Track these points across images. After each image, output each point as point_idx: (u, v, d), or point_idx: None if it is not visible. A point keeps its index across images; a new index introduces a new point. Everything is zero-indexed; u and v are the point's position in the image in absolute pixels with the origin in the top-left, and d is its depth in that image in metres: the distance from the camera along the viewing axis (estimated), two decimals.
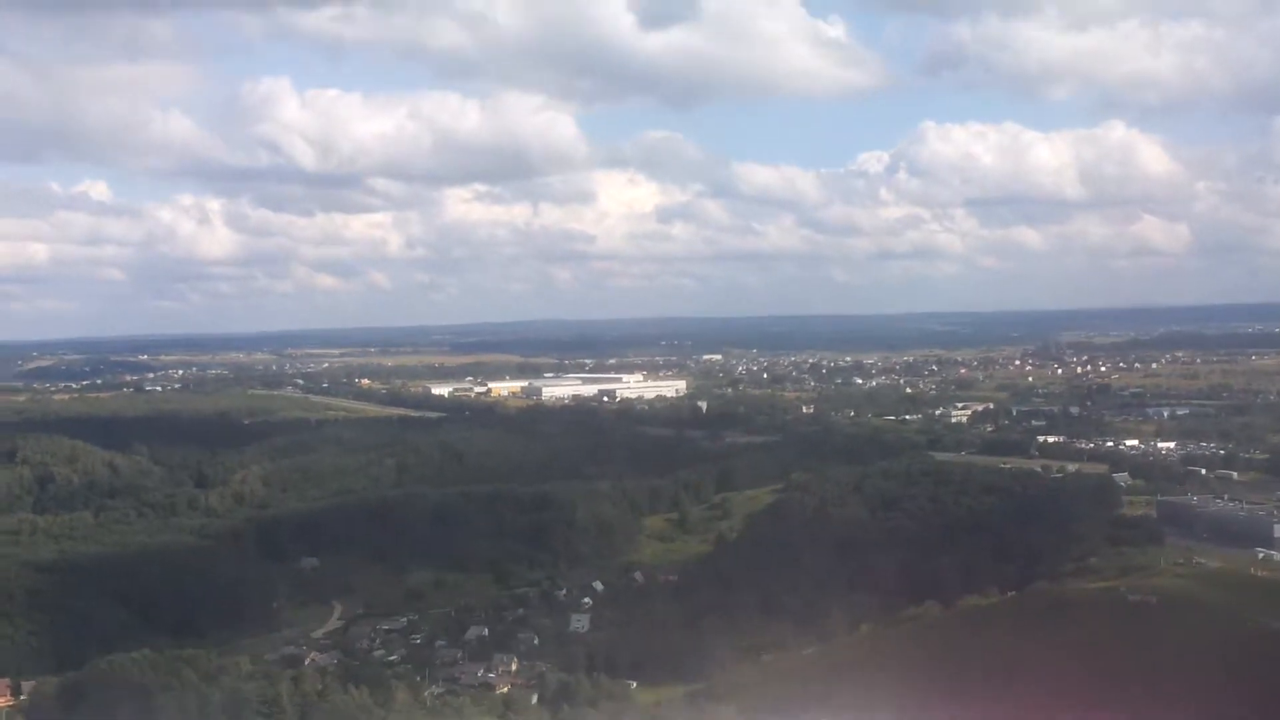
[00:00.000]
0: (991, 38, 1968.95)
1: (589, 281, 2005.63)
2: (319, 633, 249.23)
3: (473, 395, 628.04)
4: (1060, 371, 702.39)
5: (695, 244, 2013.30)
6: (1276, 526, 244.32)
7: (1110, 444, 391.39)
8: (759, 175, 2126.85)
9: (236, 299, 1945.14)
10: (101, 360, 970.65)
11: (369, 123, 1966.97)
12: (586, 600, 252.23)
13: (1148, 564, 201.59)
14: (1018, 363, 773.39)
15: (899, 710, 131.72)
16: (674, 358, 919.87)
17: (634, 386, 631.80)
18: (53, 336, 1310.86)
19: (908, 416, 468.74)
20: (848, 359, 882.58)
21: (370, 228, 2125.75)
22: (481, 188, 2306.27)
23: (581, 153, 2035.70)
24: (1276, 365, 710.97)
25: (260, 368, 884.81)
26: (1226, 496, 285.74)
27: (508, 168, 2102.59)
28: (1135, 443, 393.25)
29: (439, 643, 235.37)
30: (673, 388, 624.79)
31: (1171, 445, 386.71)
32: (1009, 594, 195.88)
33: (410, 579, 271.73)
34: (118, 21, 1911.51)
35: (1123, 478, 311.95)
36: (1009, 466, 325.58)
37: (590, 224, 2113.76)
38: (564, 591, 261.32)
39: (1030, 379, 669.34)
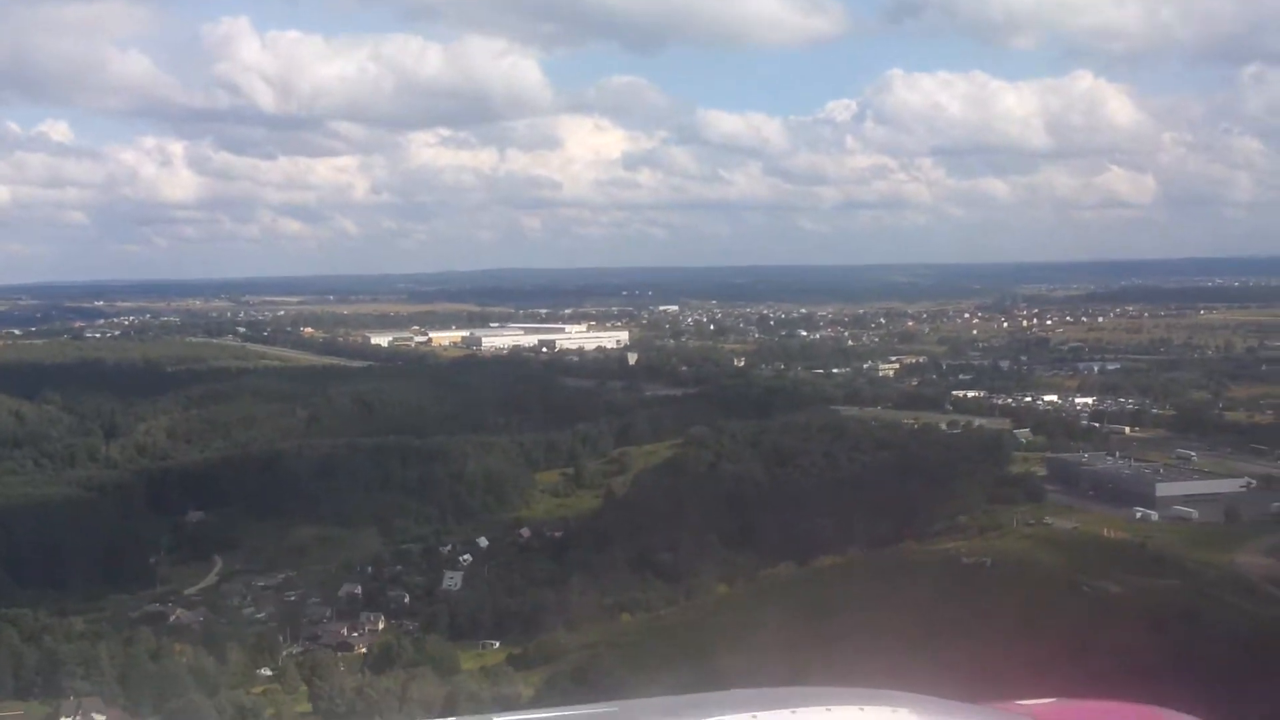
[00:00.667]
0: None
1: (557, 229, 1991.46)
2: (192, 589, 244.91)
3: (412, 345, 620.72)
4: (1006, 325, 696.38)
5: (663, 192, 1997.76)
6: (1159, 485, 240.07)
7: (1028, 399, 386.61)
8: (725, 123, 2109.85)
9: (202, 243, 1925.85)
10: (55, 306, 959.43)
11: (330, 65, 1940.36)
12: (465, 557, 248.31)
13: (1005, 524, 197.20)
14: (967, 316, 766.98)
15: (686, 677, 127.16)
16: (630, 308, 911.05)
17: (575, 337, 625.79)
18: (16, 281, 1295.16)
19: (836, 370, 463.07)
20: (802, 310, 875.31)
21: (335, 172, 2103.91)
22: (445, 132, 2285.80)
23: (546, 98, 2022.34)
24: (1223, 319, 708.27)
25: (215, 315, 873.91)
26: (1118, 454, 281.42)
27: (471, 112, 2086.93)
28: (1053, 398, 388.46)
29: (312, 600, 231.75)
30: (614, 339, 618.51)
31: (1089, 400, 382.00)
32: (858, 554, 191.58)
33: (296, 534, 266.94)
34: None
35: (1024, 433, 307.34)
36: (912, 422, 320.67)
37: (556, 170, 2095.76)
38: (448, 548, 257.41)
39: (975, 332, 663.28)
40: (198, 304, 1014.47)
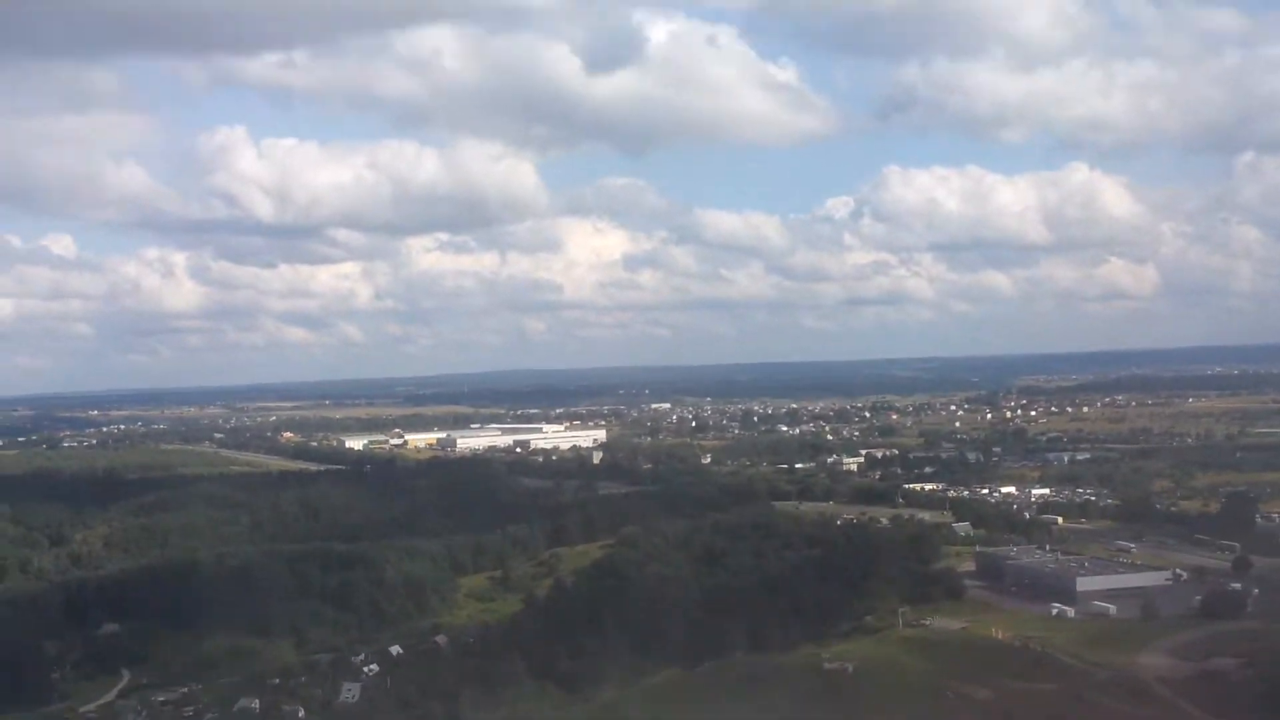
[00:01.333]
0: (940, 80, 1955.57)
1: (561, 331, 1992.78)
2: (89, 706, 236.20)
3: (387, 448, 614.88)
4: (990, 417, 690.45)
5: (664, 292, 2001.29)
6: (1079, 579, 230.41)
7: (985, 491, 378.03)
8: (723, 222, 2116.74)
9: (206, 352, 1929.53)
10: (48, 416, 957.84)
11: (327, 172, 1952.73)
12: (372, 667, 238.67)
13: (888, 625, 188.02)
14: (953, 408, 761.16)
15: None
16: (622, 406, 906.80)
17: (552, 437, 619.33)
18: (19, 392, 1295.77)
19: (800, 465, 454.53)
20: (793, 405, 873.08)
21: (337, 279, 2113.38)
22: (444, 236, 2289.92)
23: (543, 200, 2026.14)
24: (1210, 407, 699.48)
25: (206, 421, 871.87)
26: (1048, 547, 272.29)
27: (469, 216, 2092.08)
28: (1011, 489, 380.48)
29: (209, 716, 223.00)
30: (592, 438, 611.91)
31: (1046, 492, 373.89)
32: (742, 658, 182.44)
33: (209, 645, 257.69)
34: (57, 72, 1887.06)
35: (964, 527, 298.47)
36: (851, 518, 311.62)
37: (558, 273, 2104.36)
38: (360, 657, 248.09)
39: (957, 424, 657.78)
40: (192, 411, 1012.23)
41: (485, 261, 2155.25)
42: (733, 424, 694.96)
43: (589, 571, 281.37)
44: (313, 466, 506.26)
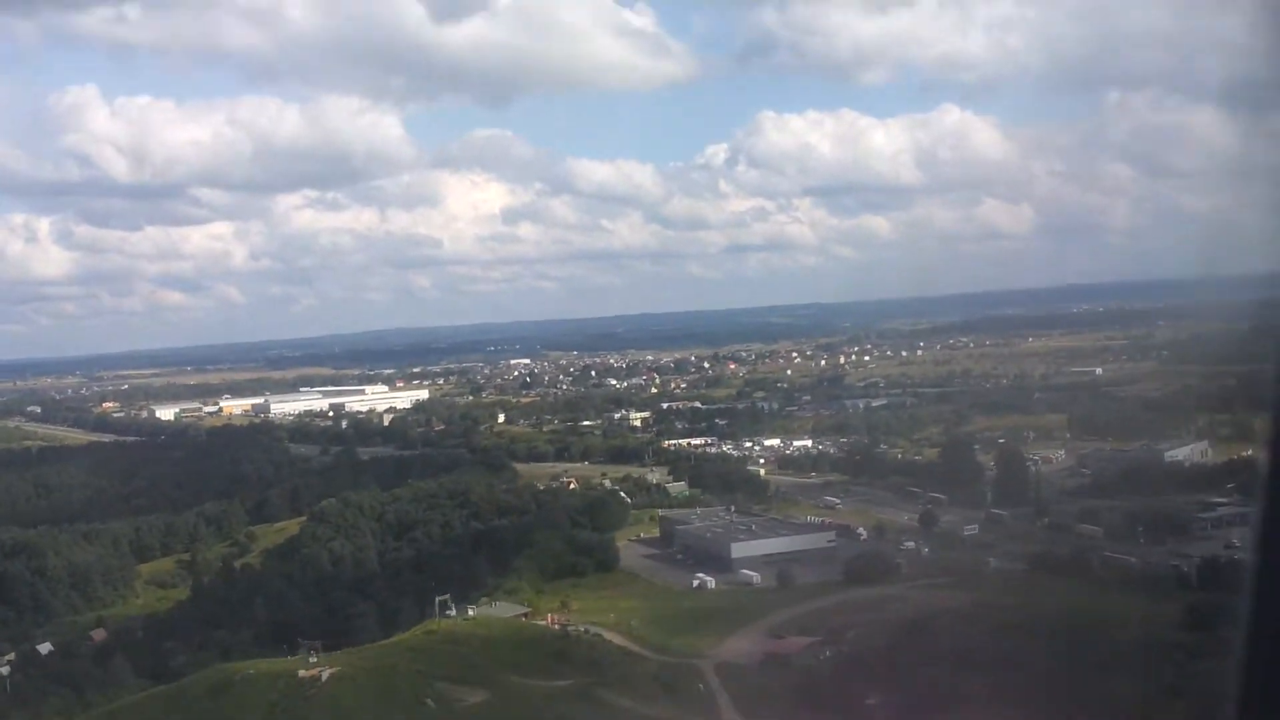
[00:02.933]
0: (798, 23, 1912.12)
1: (446, 288, 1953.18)
2: None
3: (200, 415, 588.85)
4: (824, 363, 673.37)
5: (545, 245, 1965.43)
6: (733, 545, 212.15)
7: (748, 444, 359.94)
8: (596, 172, 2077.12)
9: (83, 319, 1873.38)
10: None
11: (185, 130, 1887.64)
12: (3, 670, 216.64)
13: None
14: (795, 356, 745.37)
15: None
16: (481, 363, 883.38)
17: (372, 399, 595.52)
18: None
19: (586, 422, 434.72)
20: (648, 356, 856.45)
21: (209, 240, 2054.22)
22: (312, 193, 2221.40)
23: (410, 154, 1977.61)
24: (1045, 347, 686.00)
25: (53, 394, 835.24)
26: (732, 508, 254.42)
27: (336, 172, 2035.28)
28: (775, 442, 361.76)
29: None
30: (411, 399, 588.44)
31: (808, 443, 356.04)
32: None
33: None
34: None
35: (679, 487, 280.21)
36: (562, 481, 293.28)
37: (437, 228, 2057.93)
38: (10, 656, 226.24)
39: (790, 372, 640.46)
40: (48, 381, 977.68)
41: (360, 218, 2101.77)
42: (566, 379, 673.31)
43: (277, 550, 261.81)
44: (98, 438, 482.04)
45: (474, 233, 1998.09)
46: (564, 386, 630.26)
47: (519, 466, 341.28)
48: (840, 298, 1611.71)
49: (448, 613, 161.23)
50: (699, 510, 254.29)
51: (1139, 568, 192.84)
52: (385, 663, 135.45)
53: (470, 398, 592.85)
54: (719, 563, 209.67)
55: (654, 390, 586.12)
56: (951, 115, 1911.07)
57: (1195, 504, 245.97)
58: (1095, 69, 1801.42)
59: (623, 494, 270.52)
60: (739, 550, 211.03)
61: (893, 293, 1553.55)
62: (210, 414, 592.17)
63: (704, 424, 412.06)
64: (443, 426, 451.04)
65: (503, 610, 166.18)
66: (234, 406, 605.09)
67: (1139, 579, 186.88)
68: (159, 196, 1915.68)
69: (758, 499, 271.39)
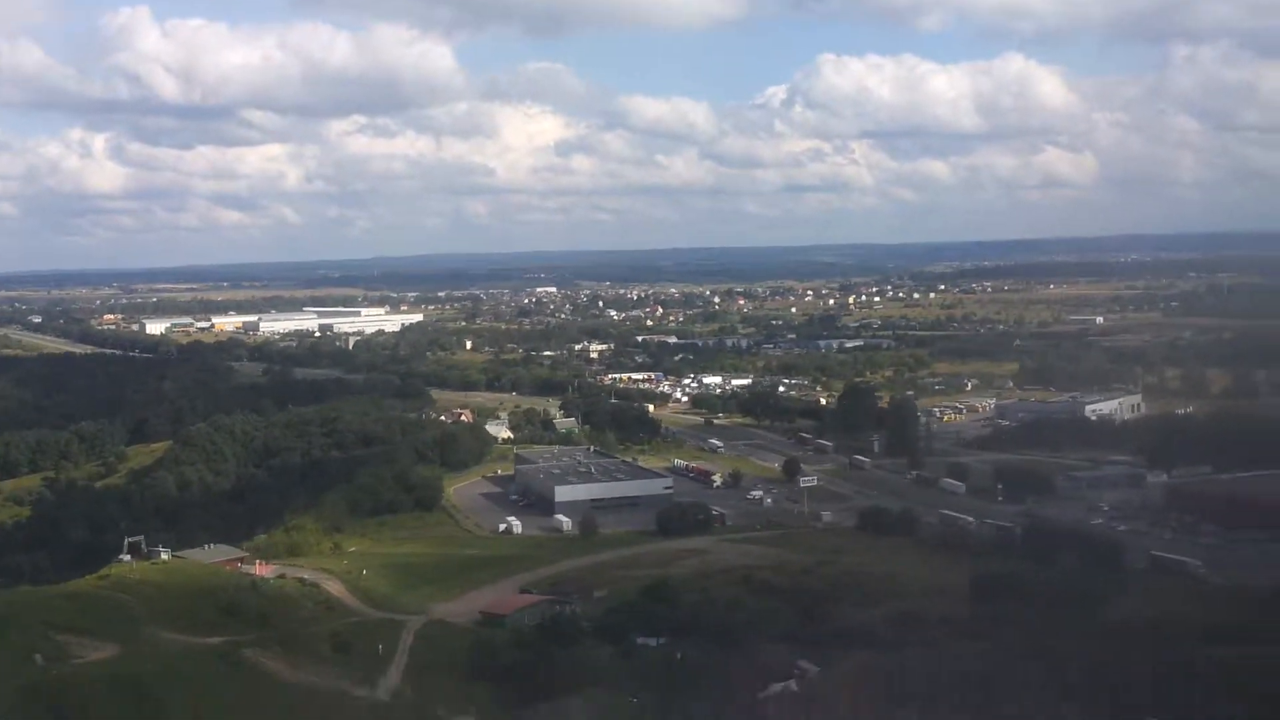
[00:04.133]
0: None
1: (501, 215, 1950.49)
2: None
3: (190, 331, 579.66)
4: (833, 303, 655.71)
5: (600, 178, 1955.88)
6: (558, 489, 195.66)
7: (688, 381, 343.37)
8: (650, 108, 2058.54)
9: (140, 233, 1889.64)
10: None
11: (236, 53, 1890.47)
12: None
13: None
14: (809, 294, 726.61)
15: None
16: (502, 290, 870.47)
17: (364, 321, 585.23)
18: None
19: (548, 352, 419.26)
20: (672, 290, 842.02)
21: (264, 161, 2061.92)
22: (362, 120, 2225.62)
23: (460, 83, 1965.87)
24: (1058, 295, 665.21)
25: (78, 304, 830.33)
26: (592, 449, 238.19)
27: (386, 100, 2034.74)
28: (717, 379, 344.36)
29: None
30: (402, 322, 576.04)
31: (746, 381, 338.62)
32: None
33: None
34: None
35: (569, 423, 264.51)
36: (456, 413, 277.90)
37: (491, 157, 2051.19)
38: None
39: (794, 310, 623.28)
40: (83, 292, 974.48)
41: (413, 145, 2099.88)
42: (569, 309, 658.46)
43: (140, 473, 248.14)
44: (76, 350, 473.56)
45: (527, 163, 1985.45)
46: (561, 316, 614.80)
47: (440, 395, 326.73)
48: (894, 239, 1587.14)
49: (137, 556, 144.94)
50: (555, 450, 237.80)
51: (969, 528, 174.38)
52: (9, 612, 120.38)
53: (463, 323, 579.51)
54: (544, 506, 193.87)
55: (648, 323, 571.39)
56: (1014, 64, 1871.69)
57: (1085, 461, 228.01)
58: (1163, 22, 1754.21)
59: (499, 428, 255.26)
60: (563, 494, 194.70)
61: (949, 236, 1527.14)
62: (201, 329, 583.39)
63: (656, 359, 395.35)
64: (398, 351, 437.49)
65: (212, 554, 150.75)
66: (226, 324, 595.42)
67: (960, 540, 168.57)
68: (210, 117, 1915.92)
69: (646, 439, 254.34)
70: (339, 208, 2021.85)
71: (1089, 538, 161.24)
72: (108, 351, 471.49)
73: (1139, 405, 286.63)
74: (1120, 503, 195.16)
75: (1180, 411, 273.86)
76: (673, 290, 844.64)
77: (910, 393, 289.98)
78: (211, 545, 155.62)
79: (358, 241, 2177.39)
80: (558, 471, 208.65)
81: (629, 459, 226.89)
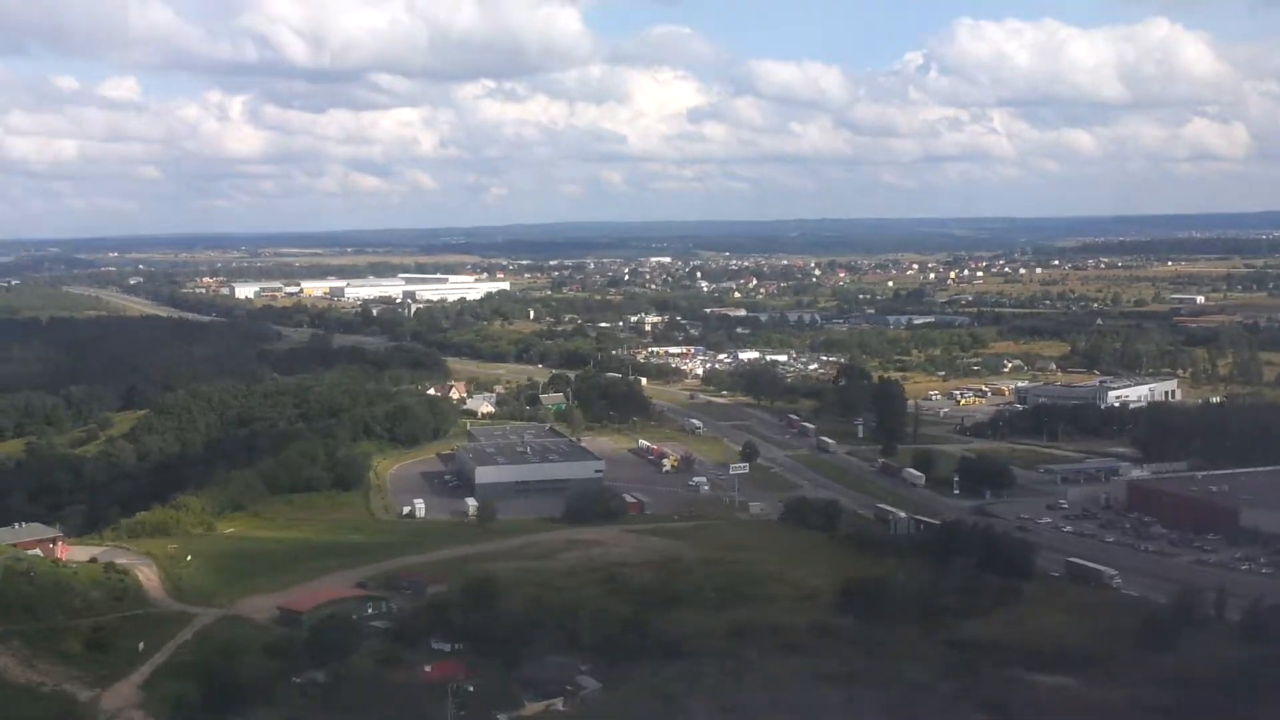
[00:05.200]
0: None
1: (636, 183, 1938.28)
2: None
3: (277, 295, 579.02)
4: (932, 277, 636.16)
5: (733, 146, 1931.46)
6: (479, 470, 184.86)
7: (724, 356, 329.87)
8: (780, 73, 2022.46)
9: (281, 198, 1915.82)
10: (65, 258, 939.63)
11: (362, 16, 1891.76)
12: None
13: None
14: (913, 268, 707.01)
15: None
16: (619, 260, 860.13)
17: (448, 288, 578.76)
18: (99, 234, 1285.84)
19: (604, 324, 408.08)
20: (784, 261, 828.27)
21: (397, 126, 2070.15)
22: (490, 83, 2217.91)
23: (587, 47, 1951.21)
24: (1176, 271, 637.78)
25: (204, 266, 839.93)
26: (549, 428, 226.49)
27: (514, 64, 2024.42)
28: (754, 354, 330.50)
29: None
30: (485, 290, 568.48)
31: (783, 358, 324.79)
32: None
33: None
34: None
35: (556, 398, 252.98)
36: (449, 385, 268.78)
37: (622, 123, 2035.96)
38: None
39: (890, 284, 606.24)
40: (210, 255, 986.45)
41: (545, 110, 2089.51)
42: (658, 279, 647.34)
43: (118, 439, 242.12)
44: (161, 313, 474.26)
45: (660, 130, 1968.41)
46: (651, 287, 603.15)
47: (462, 365, 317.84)
48: (1034, 213, 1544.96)
49: None
50: (509, 427, 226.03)
51: (894, 525, 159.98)
52: None
53: (548, 292, 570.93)
54: (468, 487, 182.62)
55: (734, 294, 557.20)
56: (1159, 28, 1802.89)
57: (1080, 452, 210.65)
58: None
59: (481, 403, 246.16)
60: (484, 475, 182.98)
61: (1091, 210, 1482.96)
62: (289, 294, 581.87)
63: (705, 333, 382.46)
64: (455, 319, 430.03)
65: (21, 534, 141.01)
66: (315, 289, 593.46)
67: (877, 539, 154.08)
68: (339, 81, 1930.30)
69: (635, 416, 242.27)
70: (474, 174, 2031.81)
71: (1001, 541, 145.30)
72: (186, 316, 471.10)
73: (1173, 392, 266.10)
74: (1085, 499, 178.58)
75: (1215, 400, 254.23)
76: (784, 261, 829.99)
77: (901, 376, 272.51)
78: (22, 524, 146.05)
79: (492, 209, 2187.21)
80: (490, 451, 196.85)
81: (590, 438, 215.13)
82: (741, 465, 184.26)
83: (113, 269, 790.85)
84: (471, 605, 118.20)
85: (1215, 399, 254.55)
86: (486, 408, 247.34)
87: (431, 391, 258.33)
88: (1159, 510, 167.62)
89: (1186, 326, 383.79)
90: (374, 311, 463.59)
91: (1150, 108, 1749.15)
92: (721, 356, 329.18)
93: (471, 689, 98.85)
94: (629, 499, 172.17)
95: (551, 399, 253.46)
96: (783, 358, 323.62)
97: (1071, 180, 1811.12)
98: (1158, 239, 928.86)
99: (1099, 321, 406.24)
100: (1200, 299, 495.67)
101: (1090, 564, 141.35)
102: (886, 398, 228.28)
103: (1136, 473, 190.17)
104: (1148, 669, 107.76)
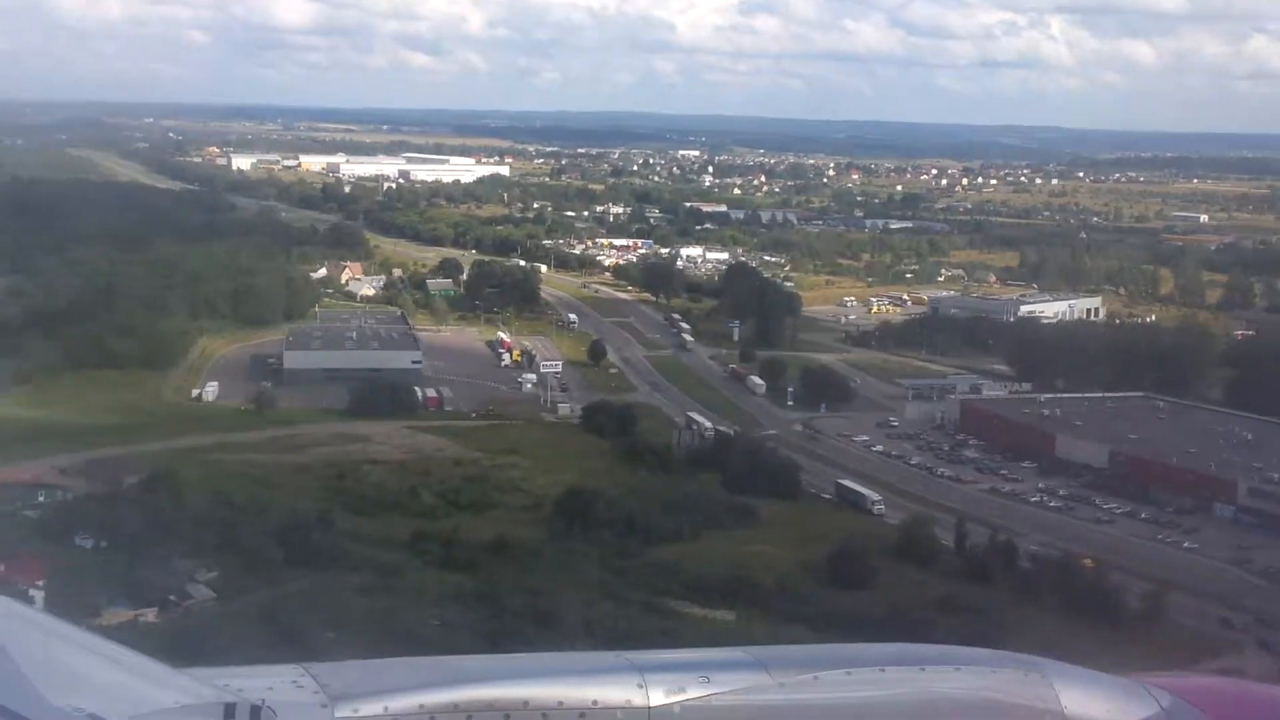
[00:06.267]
0: None
1: (689, 76, 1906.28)
2: None
3: (275, 169, 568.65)
4: (944, 183, 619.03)
5: (785, 40, 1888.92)
6: (289, 355, 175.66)
7: (667, 251, 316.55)
8: None
9: (330, 70, 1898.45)
10: (96, 121, 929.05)
11: None
12: None
13: None
14: (931, 173, 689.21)
15: None
16: (648, 153, 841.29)
17: (447, 169, 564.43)
18: (155, 99, 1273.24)
19: (569, 212, 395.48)
20: (809, 161, 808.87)
21: (445, 3, 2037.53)
22: None
23: None
24: (1195, 189, 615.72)
25: (233, 136, 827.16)
26: (401, 314, 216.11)
27: None
28: (697, 251, 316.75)
29: None
30: (482, 174, 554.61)
31: (724, 255, 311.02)
32: None
33: None
34: None
35: (445, 284, 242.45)
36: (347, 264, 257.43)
37: (675, 12, 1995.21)
38: None
39: (898, 188, 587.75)
40: (248, 125, 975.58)
41: None
42: (666, 172, 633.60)
43: None
44: (145, 180, 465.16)
45: (711, 21, 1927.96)
46: (654, 179, 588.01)
47: (393, 246, 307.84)
48: (1091, 125, 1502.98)
49: None
50: (363, 311, 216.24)
51: (696, 436, 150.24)
52: None
53: (546, 179, 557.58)
54: (280, 373, 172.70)
55: (735, 191, 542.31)
56: None
57: (956, 369, 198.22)
58: None
59: (361, 286, 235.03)
60: (293, 361, 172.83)
61: (1149, 125, 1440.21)
62: (286, 168, 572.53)
63: (670, 226, 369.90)
64: (421, 200, 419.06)
65: None
66: (314, 163, 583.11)
67: (656, 450, 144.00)
68: None
69: (526, 308, 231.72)
70: (524, 57, 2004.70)
71: (766, 459, 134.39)
72: (159, 184, 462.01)
73: (1096, 310, 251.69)
74: (922, 418, 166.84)
75: (1140, 321, 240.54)
76: (808, 161, 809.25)
77: (828, 281, 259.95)
78: None
79: (540, 94, 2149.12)
80: (313, 336, 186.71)
81: (455, 328, 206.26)
82: (554, 363, 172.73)
83: (135, 134, 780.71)
84: (130, 500, 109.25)
85: (1144, 319, 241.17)
86: (367, 290, 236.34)
87: (322, 272, 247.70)
88: (985, 432, 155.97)
89: (1171, 244, 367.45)
90: (346, 189, 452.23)
91: (1211, 20, 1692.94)
92: (665, 251, 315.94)
93: (41, 590, 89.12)
94: (430, 393, 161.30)
95: (439, 285, 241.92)
96: (724, 255, 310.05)
97: (1129, 93, 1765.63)
98: (1197, 156, 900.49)
99: (1082, 235, 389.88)
100: (1204, 218, 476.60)
101: (856, 488, 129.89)
102: (771, 300, 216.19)
103: (992, 392, 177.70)
104: (821, 603, 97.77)
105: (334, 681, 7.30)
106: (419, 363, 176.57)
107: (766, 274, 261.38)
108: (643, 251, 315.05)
